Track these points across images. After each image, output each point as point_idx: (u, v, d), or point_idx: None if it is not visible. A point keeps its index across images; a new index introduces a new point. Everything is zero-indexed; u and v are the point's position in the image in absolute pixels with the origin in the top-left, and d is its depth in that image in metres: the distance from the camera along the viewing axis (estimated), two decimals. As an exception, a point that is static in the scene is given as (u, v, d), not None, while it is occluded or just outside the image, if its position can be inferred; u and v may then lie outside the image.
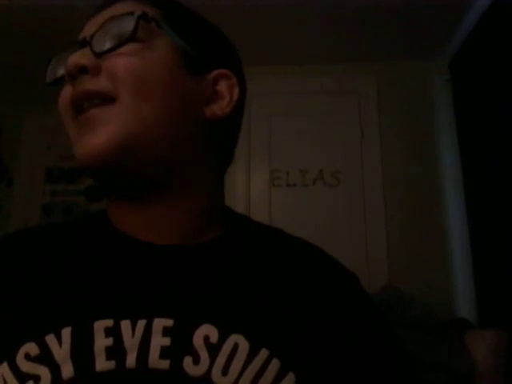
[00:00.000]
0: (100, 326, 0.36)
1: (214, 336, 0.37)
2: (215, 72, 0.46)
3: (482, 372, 1.29)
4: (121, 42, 0.40)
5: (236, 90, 0.47)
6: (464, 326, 1.51)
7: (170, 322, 0.37)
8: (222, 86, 0.47)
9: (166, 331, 0.36)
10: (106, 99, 0.40)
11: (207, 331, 0.37)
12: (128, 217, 0.44)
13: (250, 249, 0.46)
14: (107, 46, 0.40)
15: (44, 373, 0.34)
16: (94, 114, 0.40)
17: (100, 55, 0.40)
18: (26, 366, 0.34)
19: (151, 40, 0.42)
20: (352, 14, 1.76)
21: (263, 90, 2.10)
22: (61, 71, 0.43)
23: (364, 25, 1.84)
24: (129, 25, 0.40)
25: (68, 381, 0.34)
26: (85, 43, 0.41)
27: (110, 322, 0.36)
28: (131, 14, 0.41)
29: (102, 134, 0.39)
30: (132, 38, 0.40)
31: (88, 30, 0.43)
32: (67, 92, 0.42)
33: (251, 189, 2.07)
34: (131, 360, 0.35)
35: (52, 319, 0.37)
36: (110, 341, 0.35)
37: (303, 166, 2.07)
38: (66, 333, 0.36)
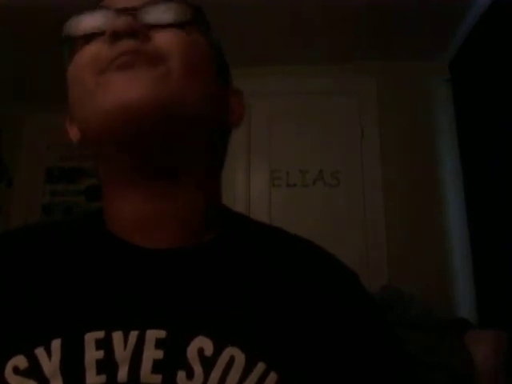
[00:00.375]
0: (91, 337, 0.34)
1: (209, 349, 0.35)
2: (231, 87, 0.49)
3: (482, 372, 1.29)
4: (179, 22, 0.41)
5: (243, 105, 0.49)
6: (464, 325, 1.51)
7: (162, 334, 0.35)
8: (235, 102, 0.48)
9: (159, 343, 0.35)
10: (154, 63, 0.38)
11: (202, 343, 0.35)
12: (127, 213, 0.42)
13: (247, 251, 0.44)
14: (163, 20, 0.40)
15: None
16: (142, 67, 0.38)
17: (153, 27, 0.40)
18: (14, 380, 0.33)
19: (194, 29, 0.42)
20: (352, 13, 1.76)
21: (263, 90, 2.10)
22: (92, 28, 0.41)
23: (364, 25, 1.84)
24: (186, 14, 0.41)
25: None
26: (125, 12, 0.40)
27: (101, 334, 0.35)
28: (186, 7, 0.42)
29: (151, 87, 0.37)
30: (190, 22, 0.41)
31: (123, 2, 0.41)
32: (98, 48, 0.39)
33: (251, 189, 2.07)
34: (122, 374, 0.33)
35: (41, 331, 0.35)
36: (100, 353, 0.34)
37: (303, 166, 2.07)
38: (56, 345, 0.34)
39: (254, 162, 2.10)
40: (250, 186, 2.08)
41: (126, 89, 0.37)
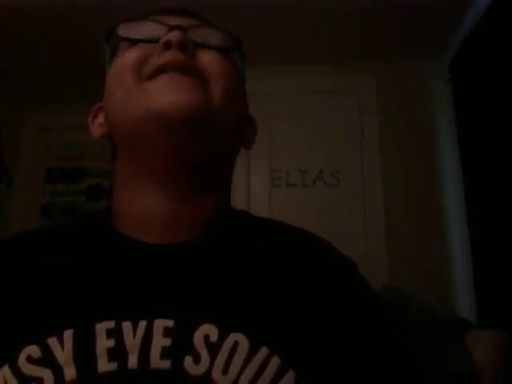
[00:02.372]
0: (102, 327, 0.36)
1: (214, 335, 0.37)
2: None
3: (481, 372, 1.29)
4: (223, 47, 0.46)
5: (255, 136, 0.53)
6: (464, 325, 1.51)
7: (170, 323, 0.37)
8: (248, 131, 0.52)
9: (167, 332, 0.36)
10: (198, 78, 0.42)
11: (207, 330, 0.37)
12: (143, 211, 0.43)
13: (249, 243, 0.46)
14: (210, 43, 0.45)
15: (47, 375, 0.34)
16: (190, 80, 0.41)
17: (200, 47, 0.44)
18: (28, 369, 0.34)
19: (232, 58, 0.47)
20: (352, 14, 1.76)
21: (263, 90, 2.09)
22: (143, 35, 0.45)
23: (364, 25, 1.84)
24: (230, 42, 0.47)
25: (70, 382, 0.34)
26: (178, 28, 0.43)
27: (111, 324, 0.36)
28: (230, 36, 0.47)
29: (199, 99, 0.41)
30: (233, 49, 0.47)
31: (174, 20, 0.45)
32: (145, 52, 0.43)
33: (251, 189, 2.07)
34: (133, 361, 0.35)
35: (54, 321, 0.37)
36: (111, 342, 0.36)
37: (303, 166, 2.07)
38: (68, 335, 0.36)
39: (254, 162, 2.10)
40: (250, 186, 2.08)
41: (173, 95, 0.40)
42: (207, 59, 0.44)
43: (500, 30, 1.49)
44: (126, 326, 0.36)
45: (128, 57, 0.43)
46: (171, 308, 0.38)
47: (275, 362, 0.36)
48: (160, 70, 0.41)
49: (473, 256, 1.74)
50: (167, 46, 0.42)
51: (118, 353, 0.35)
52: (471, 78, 1.76)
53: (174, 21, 0.45)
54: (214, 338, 0.36)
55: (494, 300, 1.58)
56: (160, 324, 0.37)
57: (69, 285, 0.40)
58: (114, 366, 0.35)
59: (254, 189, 2.07)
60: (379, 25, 1.84)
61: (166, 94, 0.40)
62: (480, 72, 1.68)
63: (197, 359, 0.35)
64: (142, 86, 0.41)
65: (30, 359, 0.35)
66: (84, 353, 0.35)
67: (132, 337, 0.36)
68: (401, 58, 2.07)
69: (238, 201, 2.01)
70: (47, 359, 0.35)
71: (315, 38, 1.96)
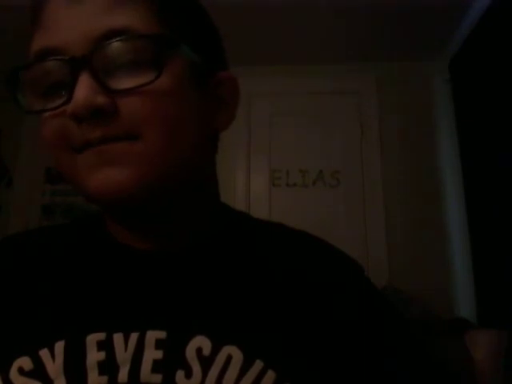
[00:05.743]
0: (92, 339, 0.35)
1: (207, 348, 0.35)
2: (217, 76, 0.42)
3: (481, 372, 1.29)
4: (145, 82, 0.34)
5: (238, 93, 0.44)
6: (464, 325, 1.51)
7: (162, 335, 0.36)
8: (225, 91, 0.43)
9: (159, 344, 0.35)
10: (127, 138, 0.35)
11: (200, 343, 0.36)
12: (124, 228, 0.42)
13: (246, 249, 0.44)
14: (124, 84, 0.34)
15: None
16: (117, 149, 0.35)
17: (115, 92, 0.34)
18: (19, 381, 0.34)
19: (165, 64, 0.35)
20: (352, 14, 1.76)
21: (263, 90, 2.10)
22: (50, 102, 0.36)
23: (364, 25, 1.84)
24: (148, 54, 0.35)
25: None
26: (78, 63, 0.34)
27: (102, 336, 0.36)
28: (146, 36, 0.35)
29: (130, 171, 0.35)
30: (158, 76, 0.34)
31: (69, 36, 0.35)
32: (63, 123, 0.36)
33: (251, 189, 2.07)
34: (123, 375, 0.34)
35: (45, 333, 0.36)
36: (102, 355, 0.35)
37: (303, 166, 2.07)
38: (59, 347, 0.35)
39: (254, 162, 2.10)
40: (250, 186, 2.08)
41: (110, 177, 0.35)
42: (131, 104, 0.35)
43: (500, 30, 1.49)
44: (118, 337, 0.36)
45: (49, 130, 0.38)
46: (164, 318, 0.37)
47: (270, 375, 0.35)
48: (83, 146, 0.35)
49: (473, 256, 1.73)
50: (78, 119, 0.34)
51: (108, 366, 0.34)
52: (471, 78, 1.76)
53: (75, 41, 0.34)
54: (206, 351, 0.35)
55: (494, 300, 1.58)
56: (152, 336, 0.36)
57: (60, 295, 0.39)
58: (104, 379, 0.34)
59: (254, 189, 2.07)
60: (379, 25, 1.83)
61: (96, 175, 0.35)
62: (480, 72, 1.68)
63: (189, 373, 0.34)
64: (76, 162, 0.36)
65: (21, 371, 0.34)
66: (74, 366, 0.34)
67: (123, 349, 0.35)
68: (401, 57, 2.07)
69: (238, 201, 2.01)
70: (38, 371, 0.34)
71: (315, 38, 1.95)
